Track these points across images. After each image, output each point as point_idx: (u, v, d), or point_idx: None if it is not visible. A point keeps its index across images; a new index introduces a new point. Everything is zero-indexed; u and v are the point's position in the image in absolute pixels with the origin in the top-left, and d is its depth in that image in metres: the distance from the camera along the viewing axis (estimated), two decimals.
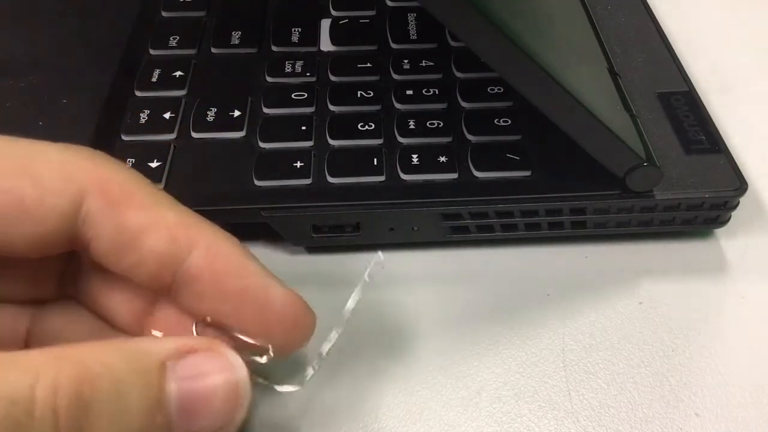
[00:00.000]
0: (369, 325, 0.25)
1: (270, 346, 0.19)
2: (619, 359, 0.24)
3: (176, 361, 0.17)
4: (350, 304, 0.21)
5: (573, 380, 0.23)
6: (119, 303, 0.20)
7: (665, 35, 0.33)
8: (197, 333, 0.19)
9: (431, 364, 0.24)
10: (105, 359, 0.16)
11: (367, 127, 0.28)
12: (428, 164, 0.27)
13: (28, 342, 0.20)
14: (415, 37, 0.32)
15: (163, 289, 0.19)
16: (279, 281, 0.19)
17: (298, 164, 0.27)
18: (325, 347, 0.20)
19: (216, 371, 0.17)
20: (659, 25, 0.33)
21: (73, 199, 0.17)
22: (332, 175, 0.26)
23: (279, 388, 0.20)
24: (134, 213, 0.17)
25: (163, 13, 0.33)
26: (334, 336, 0.20)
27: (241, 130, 0.28)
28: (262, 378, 0.19)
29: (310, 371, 0.20)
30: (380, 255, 0.21)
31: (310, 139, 0.28)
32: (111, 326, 0.20)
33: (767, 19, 0.38)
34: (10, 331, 0.20)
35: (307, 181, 0.26)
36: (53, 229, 0.17)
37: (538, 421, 0.22)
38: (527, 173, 0.27)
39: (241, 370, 0.18)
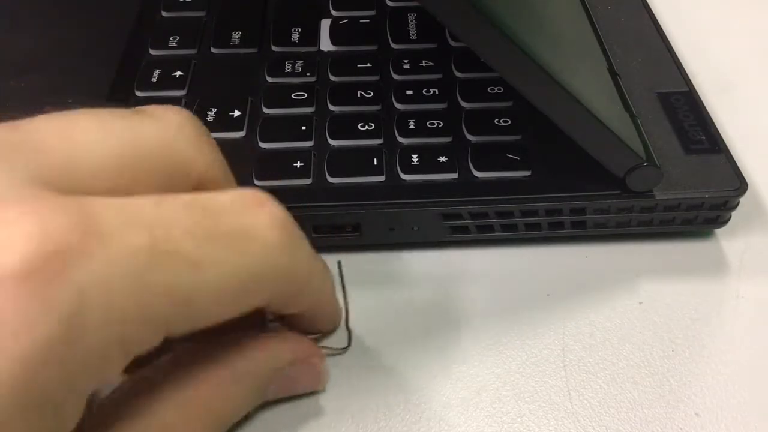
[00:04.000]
0: (368, 325, 0.25)
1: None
2: (619, 359, 0.24)
3: (282, 370, 0.21)
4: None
5: (573, 380, 0.23)
6: None
7: (665, 35, 0.33)
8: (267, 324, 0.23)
9: (431, 364, 0.24)
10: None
11: (367, 127, 0.28)
12: (428, 164, 0.27)
13: None
14: (415, 37, 0.32)
15: None
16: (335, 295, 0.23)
17: (298, 164, 0.27)
18: (348, 322, 0.25)
19: (306, 379, 0.22)
20: (659, 25, 0.33)
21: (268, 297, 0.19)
22: (332, 175, 0.26)
23: (333, 352, 0.24)
24: (294, 301, 0.20)
25: (163, 13, 0.33)
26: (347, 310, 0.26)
27: (241, 130, 0.28)
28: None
29: (348, 342, 0.25)
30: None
31: (310, 139, 0.28)
32: None
33: (767, 18, 0.38)
34: None
35: (307, 181, 0.26)
36: None
37: (538, 421, 0.22)
38: (527, 173, 0.27)
39: (324, 378, 0.23)
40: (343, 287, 0.26)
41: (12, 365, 0.13)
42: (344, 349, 0.24)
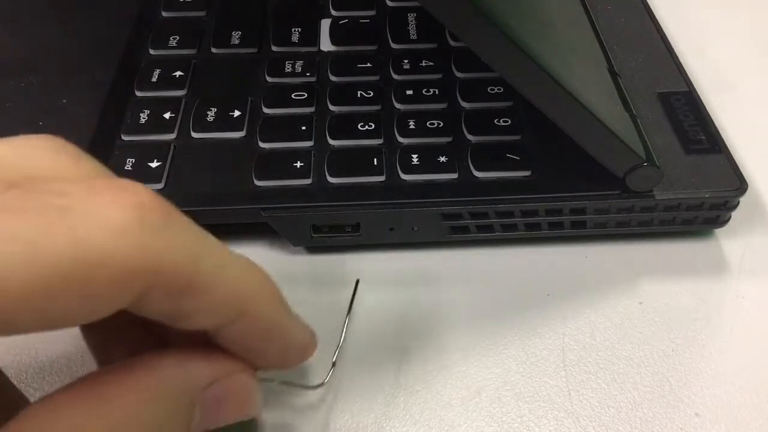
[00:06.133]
0: (369, 325, 0.25)
1: (275, 380, 0.21)
2: (619, 359, 0.24)
3: (204, 391, 0.18)
4: (345, 324, 0.24)
5: (573, 380, 0.23)
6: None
7: (665, 35, 0.33)
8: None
9: (431, 364, 0.24)
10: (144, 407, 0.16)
11: (367, 127, 0.28)
12: (428, 164, 0.27)
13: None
14: (415, 37, 0.32)
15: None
16: (298, 320, 0.20)
17: (298, 164, 0.27)
18: (335, 356, 0.23)
19: (236, 398, 0.19)
20: (659, 25, 0.33)
21: (136, 297, 0.16)
22: (332, 175, 0.26)
23: (302, 389, 0.23)
24: (190, 302, 0.16)
25: (163, 13, 0.33)
26: (339, 343, 0.23)
27: (241, 130, 0.28)
28: (279, 381, 0.22)
29: (326, 377, 0.23)
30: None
31: (310, 139, 0.28)
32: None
33: (767, 18, 0.38)
34: None
35: (307, 181, 0.26)
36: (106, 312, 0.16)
37: (538, 421, 0.22)
38: (527, 173, 0.27)
39: (257, 400, 0.19)
40: (349, 310, 0.24)
41: None
42: (316, 387, 0.23)
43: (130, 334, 0.20)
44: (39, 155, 0.17)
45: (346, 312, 0.24)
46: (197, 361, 0.18)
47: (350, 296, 0.25)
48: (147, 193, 0.15)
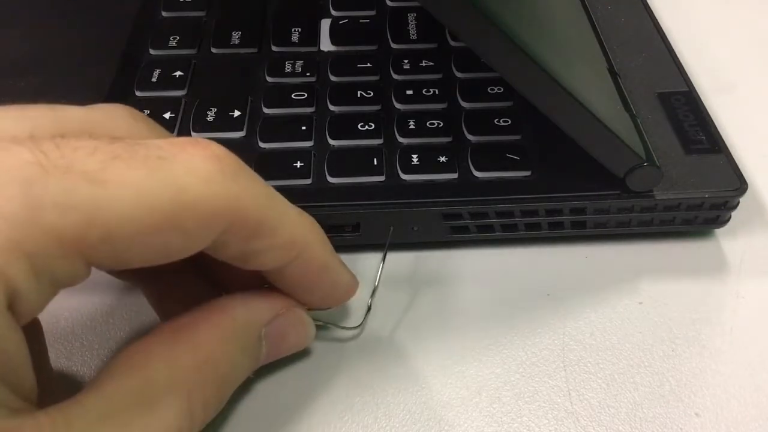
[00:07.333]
0: (368, 325, 0.25)
1: (319, 320, 0.23)
2: (619, 359, 0.24)
3: (268, 326, 0.21)
4: (381, 262, 0.25)
5: (573, 380, 0.23)
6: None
7: (665, 35, 0.33)
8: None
9: (431, 364, 0.24)
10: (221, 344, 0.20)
11: (367, 127, 0.28)
12: (428, 164, 0.27)
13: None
14: (415, 37, 0.32)
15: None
16: (343, 265, 0.22)
17: (298, 164, 0.27)
18: (370, 300, 0.25)
19: (294, 330, 0.22)
20: (659, 25, 0.34)
21: (217, 236, 0.18)
22: (332, 175, 0.26)
23: (343, 331, 0.25)
24: (260, 241, 0.19)
25: (163, 13, 0.34)
26: (376, 285, 0.25)
27: (241, 130, 0.28)
28: (323, 322, 0.24)
29: (363, 319, 0.25)
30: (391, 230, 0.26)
31: (310, 139, 0.28)
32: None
33: (767, 18, 0.38)
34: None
35: (307, 181, 0.26)
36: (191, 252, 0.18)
37: (538, 421, 0.22)
38: (527, 173, 0.27)
39: (310, 327, 0.23)
40: (384, 257, 0.25)
41: None
42: (354, 329, 0.24)
43: (184, 286, 0.23)
44: (119, 120, 0.19)
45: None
46: (259, 300, 0.21)
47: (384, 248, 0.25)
48: (220, 148, 0.18)
